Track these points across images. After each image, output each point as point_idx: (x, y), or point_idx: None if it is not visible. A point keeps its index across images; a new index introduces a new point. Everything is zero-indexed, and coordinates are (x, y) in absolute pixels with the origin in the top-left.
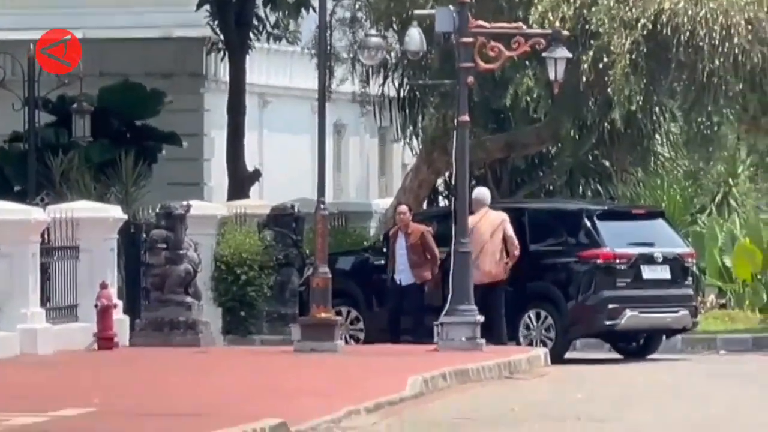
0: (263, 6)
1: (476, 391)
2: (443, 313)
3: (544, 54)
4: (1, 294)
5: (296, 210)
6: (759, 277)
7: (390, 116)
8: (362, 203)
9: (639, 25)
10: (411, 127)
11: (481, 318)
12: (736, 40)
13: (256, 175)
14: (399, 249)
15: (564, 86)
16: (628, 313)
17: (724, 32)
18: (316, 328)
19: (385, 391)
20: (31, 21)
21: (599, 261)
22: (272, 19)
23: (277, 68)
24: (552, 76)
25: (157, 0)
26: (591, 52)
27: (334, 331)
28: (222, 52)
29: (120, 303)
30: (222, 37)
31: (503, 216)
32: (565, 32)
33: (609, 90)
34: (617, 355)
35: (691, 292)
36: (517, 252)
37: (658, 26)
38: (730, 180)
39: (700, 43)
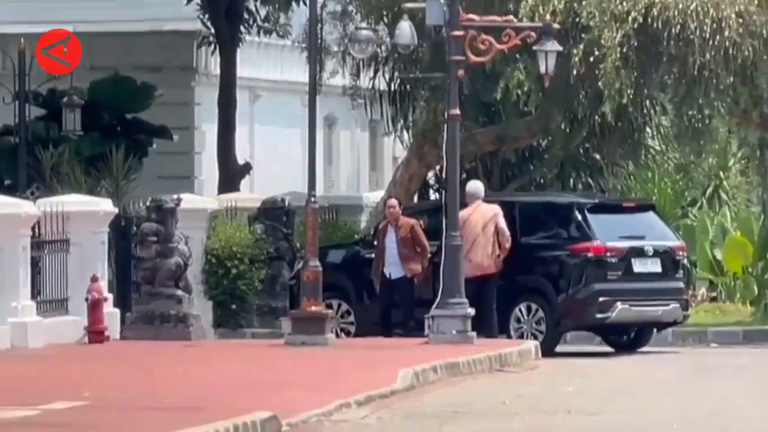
0: None
1: (467, 384)
2: (434, 306)
3: (534, 47)
4: None
5: (287, 203)
6: (750, 270)
7: (381, 109)
8: (353, 196)
9: (630, 18)
10: (402, 121)
11: (471, 311)
12: (726, 33)
13: (247, 168)
14: (389, 243)
15: (555, 79)
16: (619, 306)
17: (714, 25)
18: (307, 322)
19: (376, 384)
20: (21, 14)
21: (590, 254)
22: (263, 12)
23: (268, 61)
24: (543, 69)
25: None
26: (582, 46)
27: (324, 325)
28: (212, 46)
29: (111, 296)
30: (212, 30)
31: (496, 209)
32: (556, 25)
33: (600, 83)
34: (608, 348)
35: (681, 285)
36: (508, 245)
37: (649, 19)
38: (721, 173)
39: (691, 37)
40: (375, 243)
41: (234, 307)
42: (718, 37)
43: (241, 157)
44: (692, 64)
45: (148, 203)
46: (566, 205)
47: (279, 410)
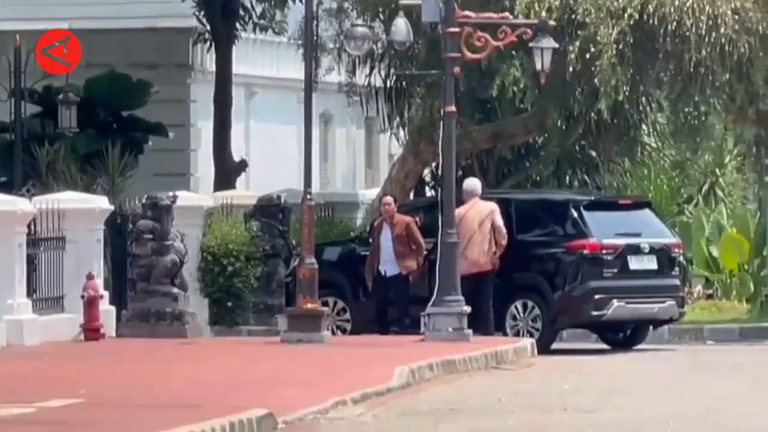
0: None
1: (463, 381)
2: (430, 303)
3: (530, 44)
4: None
5: (283, 201)
6: (746, 267)
7: (377, 106)
8: (349, 194)
9: (625, 15)
10: (398, 118)
11: (467, 308)
12: (722, 29)
13: (243, 165)
14: (384, 240)
15: (550, 76)
16: (615, 303)
17: (710, 22)
18: (303, 319)
19: (371, 381)
20: (16, 12)
21: (586, 251)
22: (258, 9)
23: (264, 58)
24: (538, 66)
25: None
26: (577, 42)
27: (320, 322)
28: (208, 43)
29: (106, 294)
30: (208, 27)
31: (492, 206)
32: (552, 22)
33: (596, 80)
34: (604, 346)
35: (677, 282)
36: (504, 242)
37: (645, 16)
38: (717, 170)
39: (687, 33)
40: (370, 240)
41: (230, 304)
42: (714, 34)
43: (236, 154)
44: (688, 60)
45: (143, 200)
46: (562, 203)
47: (275, 408)
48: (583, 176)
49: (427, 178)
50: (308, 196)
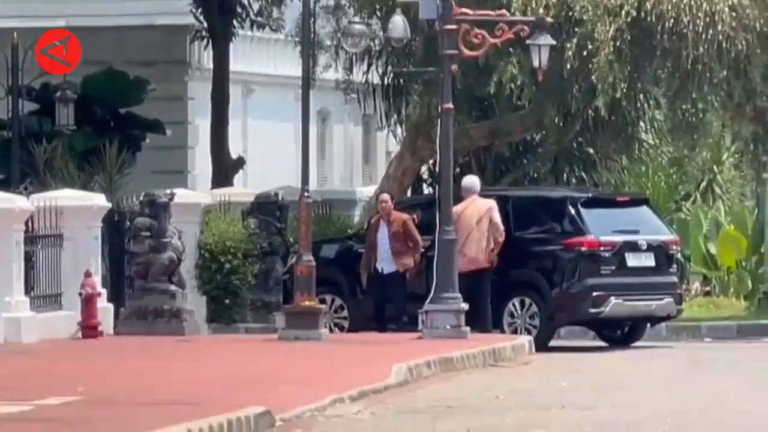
0: None
1: (461, 379)
2: (428, 301)
3: (528, 41)
4: None
5: (280, 198)
6: (744, 264)
7: (374, 104)
8: (346, 191)
9: (623, 12)
10: (395, 115)
11: (465, 306)
12: (720, 27)
13: (240, 163)
14: (381, 237)
15: (548, 73)
16: (613, 300)
17: (708, 19)
18: (301, 317)
19: (369, 379)
20: (14, 9)
21: (584, 248)
22: (256, 6)
23: (261, 56)
24: (536, 63)
25: None
26: (575, 40)
27: (318, 320)
28: (205, 40)
29: (104, 291)
30: (205, 24)
31: (491, 203)
32: (549, 19)
33: (593, 77)
34: (602, 343)
35: (675, 279)
36: (501, 239)
37: (642, 13)
38: (715, 167)
39: (684, 30)
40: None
41: (227, 302)
42: (711, 31)
43: (234, 151)
44: (686, 57)
45: (141, 198)
46: (560, 200)
47: (272, 405)
48: (580, 173)
49: (425, 176)
50: (306, 194)
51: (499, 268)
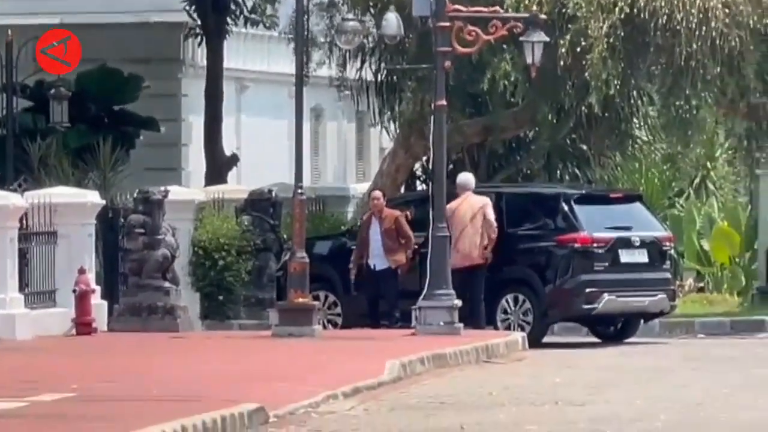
0: None
1: (454, 375)
2: (421, 297)
3: (521, 38)
4: None
5: (274, 195)
6: (737, 260)
7: (367, 101)
8: (340, 188)
9: (616, 8)
10: (388, 112)
11: (458, 302)
12: (713, 23)
13: (234, 160)
14: (373, 234)
15: (541, 70)
16: (606, 297)
17: (701, 16)
18: (294, 313)
19: (363, 375)
20: (8, 6)
21: (577, 245)
22: (249, 3)
23: (255, 53)
24: (529, 60)
25: None
26: (568, 36)
27: (311, 316)
28: (199, 37)
29: (98, 288)
30: (199, 22)
31: (485, 200)
32: (542, 16)
33: (586, 74)
34: (595, 339)
35: (668, 275)
36: (494, 236)
37: (636, 10)
38: (708, 163)
39: (678, 27)
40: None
41: (221, 298)
42: (704, 28)
43: (228, 148)
44: (679, 54)
45: (135, 195)
46: (553, 196)
47: (266, 401)
48: (574, 170)
49: (418, 172)
50: (299, 191)
51: (492, 265)
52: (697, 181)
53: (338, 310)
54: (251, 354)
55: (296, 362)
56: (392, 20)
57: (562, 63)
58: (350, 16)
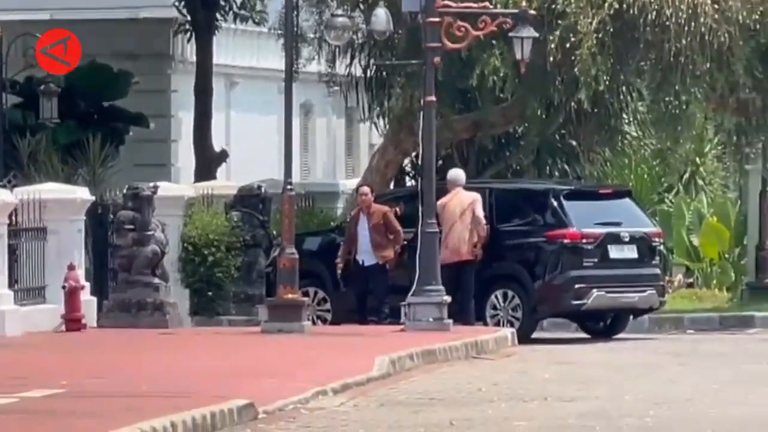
0: None
1: (443, 371)
2: (410, 293)
3: (510, 34)
4: None
5: (263, 191)
6: (726, 256)
7: (357, 96)
8: (329, 184)
9: (606, 4)
10: (378, 108)
11: (448, 298)
12: (702, 19)
13: (224, 155)
14: (361, 230)
15: (531, 66)
16: (595, 292)
17: (690, 11)
18: (283, 309)
19: (352, 371)
20: None
21: (566, 241)
22: None
23: (244, 49)
24: (518, 55)
25: None
26: (558, 32)
27: (301, 312)
28: (189, 33)
29: (87, 284)
30: (188, 17)
31: (475, 196)
32: (532, 12)
33: (576, 70)
34: (584, 335)
35: (658, 271)
36: (483, 233)
37: (625, 6)
38: (698, 159)
39: (667, 23)
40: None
41: (210, 294)
42: (694, 23)
43: (217, 144)
44: (668, 50)
45: (124, 191)
46: (542, 192)
47: (255, 398)
48: (563, 165)
49: (408, 168)
50: (289, 186)
51: (481, 260)
52: (686, 176)
53: (328, 306)
54: (240, 350)
55: (285, 358)
56: (381, 16)
57: (551, 59)
58: (339, 11)
